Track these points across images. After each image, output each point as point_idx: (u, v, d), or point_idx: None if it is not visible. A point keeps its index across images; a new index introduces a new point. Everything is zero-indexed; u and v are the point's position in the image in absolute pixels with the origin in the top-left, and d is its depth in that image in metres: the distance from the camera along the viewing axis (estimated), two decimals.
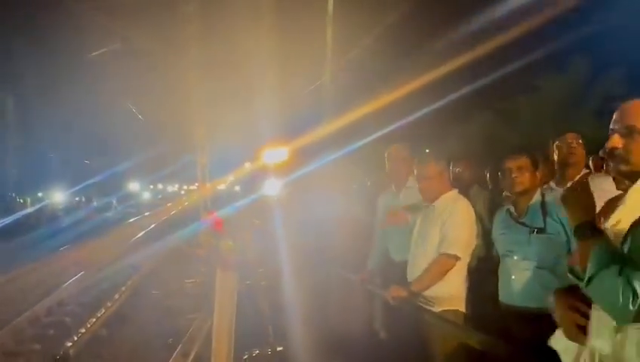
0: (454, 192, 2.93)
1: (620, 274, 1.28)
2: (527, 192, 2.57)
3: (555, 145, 3.05)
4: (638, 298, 1.25)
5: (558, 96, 13.39)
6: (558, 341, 1.55)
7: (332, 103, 8.26)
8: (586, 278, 1.36)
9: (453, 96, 11.19)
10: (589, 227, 1.43)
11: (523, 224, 2.55)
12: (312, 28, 8.17)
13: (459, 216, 2.80)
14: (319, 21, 7.71)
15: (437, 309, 2.72)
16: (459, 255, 2.74)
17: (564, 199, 1.51)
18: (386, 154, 3.62)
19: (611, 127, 1.51)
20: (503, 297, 2.58)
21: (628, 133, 1.46)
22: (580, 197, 1.48)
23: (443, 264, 2.75)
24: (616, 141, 1.47)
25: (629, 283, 1.26)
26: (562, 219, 2.40)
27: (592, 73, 13.15)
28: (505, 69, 11.35)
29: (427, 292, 2.76)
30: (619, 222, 1.39)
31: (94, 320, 5.29)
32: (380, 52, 9.84)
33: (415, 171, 3.03)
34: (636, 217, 1.35)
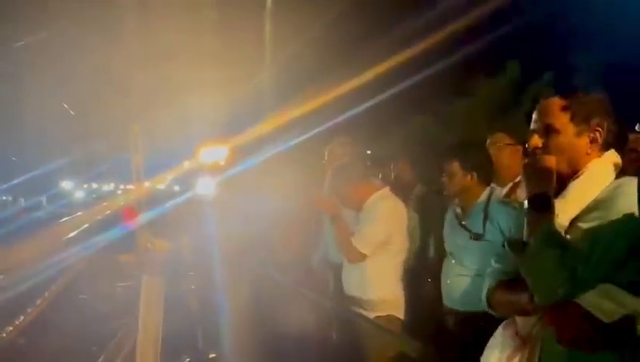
0: (382, 191, 2.83)
1: (561, 257, 1.27)
2: (464, 193, 2.52)
3: (487, 146, 3.05)
4: (569, 286, 1.25)
5: (491, 99, 13.80)
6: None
7: (271, 100, 8.15)
8: (528, 251, 1.35)
9: (392, 97, 11.30)
10: (544, 199, 1.41)
11: (464, 227, 2.51)
12: (252, 22, 8.03)
13: (377, 213, 2.73)
14: (259, 15, 7.59)
15: (371, 315, 2.63)
16: (364, 252, 2.66)
17: (524, 168, 1.49)
18: (326, 151, 3.51)
19: (532, 127, 1.52)
20: (444, 299, 2.53)
21: (546, 131, 1.47)
22: (539, 168, 1.46)
23: (350, 252, 2.66)
24: (536, 141, 1.49)
25: (567, 270, 1.25)
26: (501, 225, 2.36)
27: (523, 76, 13.66)
28: (441, 73, 11.57)
29: (361, 297, 2.68)
30: (557, 214, 1.39)
31: (11, 328, 4.92)
32: (319, 50, 9.80)
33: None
34: (576, 211, 1.35)
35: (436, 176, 4.78)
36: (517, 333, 1.47)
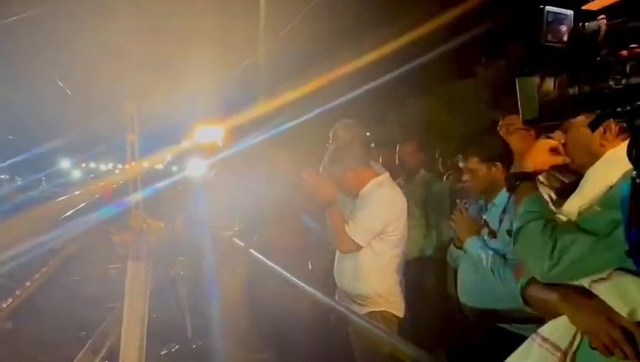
0: (382, 177, 2.63)
1: (544, 227, 1.29)
2: (493, 188, 2.26)
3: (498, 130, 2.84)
4: (554, 256, 1.23)
5: (495, 82, 13.62)
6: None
7: (266, 82, 8.00)
8: (516, 227, 1.36)
9: (391, 79, 11.14)
10: (519, 176, 1.47)
11: (485, 222, 2.29)
12: (249, 1, 7.87)
13: (374, 200, 2.52)
14: None
15: (364, 310, 2.46)
16: (358, 242, 2.49)
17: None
18: (330, 132, 3.32)
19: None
20: (460, 294, 2.33)
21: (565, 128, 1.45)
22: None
23: (342, 241, 2.52)
24: (559, 137, 1.46)
25: (552, 239, 1.25)
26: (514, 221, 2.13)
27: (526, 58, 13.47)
28: (442, 54, 11.39)
29: (354, 291, 2.53)
30: (573, 207, 1.34)
31: None
32: (318, 30, 9.62)
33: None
34: (590, 202, 1.30)
35: (435, 159, 4.61)
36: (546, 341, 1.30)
